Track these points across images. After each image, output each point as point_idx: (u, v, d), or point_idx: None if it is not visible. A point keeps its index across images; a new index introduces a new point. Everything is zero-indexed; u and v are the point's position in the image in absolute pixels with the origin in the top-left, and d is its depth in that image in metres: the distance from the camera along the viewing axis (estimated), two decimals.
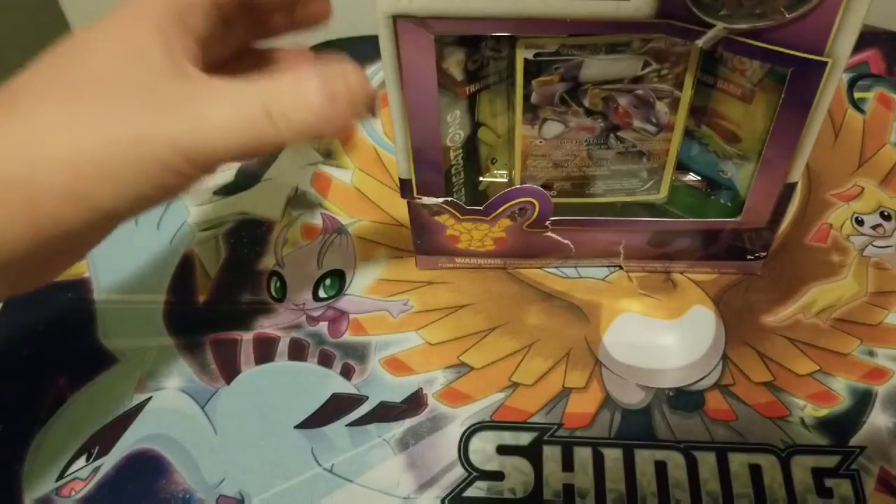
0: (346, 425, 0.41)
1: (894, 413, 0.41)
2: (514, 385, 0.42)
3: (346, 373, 0.43)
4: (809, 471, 0.39)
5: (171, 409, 0.42)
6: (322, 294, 0.46)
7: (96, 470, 0.40)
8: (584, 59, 0.34)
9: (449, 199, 0.40)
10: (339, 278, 0.47)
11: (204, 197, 0.51)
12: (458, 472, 0.39)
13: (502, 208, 0.40)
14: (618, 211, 0.43)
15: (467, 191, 0.43)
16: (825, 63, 0.32)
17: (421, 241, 0.44)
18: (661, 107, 0.36)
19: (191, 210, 0.51)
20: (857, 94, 0.56)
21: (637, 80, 0.35)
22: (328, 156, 0.53)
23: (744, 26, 0.30)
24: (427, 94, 0.35)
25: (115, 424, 0.42)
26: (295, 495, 0.39)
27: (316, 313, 0.46)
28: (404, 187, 0.40)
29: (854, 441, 0.40)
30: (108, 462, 0.40)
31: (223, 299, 0.46)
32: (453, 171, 0.41)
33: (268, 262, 0.48)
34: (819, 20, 0.30)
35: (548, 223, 0.41)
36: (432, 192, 0.40)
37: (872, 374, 0.42)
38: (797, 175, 0.38)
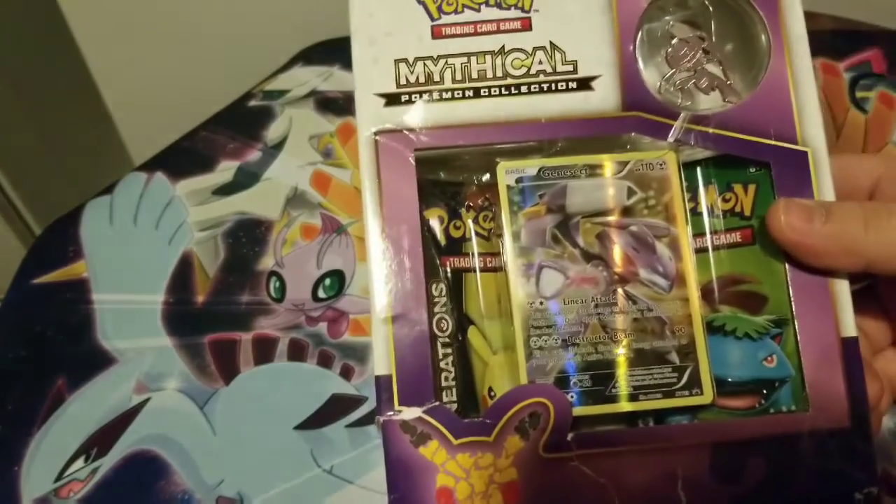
0: (346, 426, 0.41)
1: (895, 413, 0.40)
2: None
3: (346, 373, 0.43)
4: None
5: (169, 410, 0.42)
6: (321, 294, 0.46)
7: (95, 471, 0.40)
8: (566, 182, 0.31)
9: (437, 403, 0.29)
10: (338, 278, 0.47)
11: (203, 197, 0.51)
12: None
13: (508, 415, 0.29)
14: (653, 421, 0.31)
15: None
16: (805, 153, 0.29)
17: None
18: (663, 249, 0.31)
19: (190, 210, 0.51)
20: (858, 94, 0.55)
21: (627, 212, 0.31)
22: (327, 155, 0.53)
23: (706, 110, 0.30)
24: (410, 222, 0.29)
25: (113, 425, 0.42)
26: (294, 496, 0.39)
27: (315, 313, 0.45)
28: (381, 391, 0.28)
29: None
30: (107, 463, 0.40)
31: (222, 299, 0.46)
32: (443, 378, 0.31)
33: (267, 262, 0.48)
34: (777, 104, 0.30)
35: (570, 437, 0.30)
36: (417, 401, 0.29)
37: None
38: (850, 325, 0.28)
